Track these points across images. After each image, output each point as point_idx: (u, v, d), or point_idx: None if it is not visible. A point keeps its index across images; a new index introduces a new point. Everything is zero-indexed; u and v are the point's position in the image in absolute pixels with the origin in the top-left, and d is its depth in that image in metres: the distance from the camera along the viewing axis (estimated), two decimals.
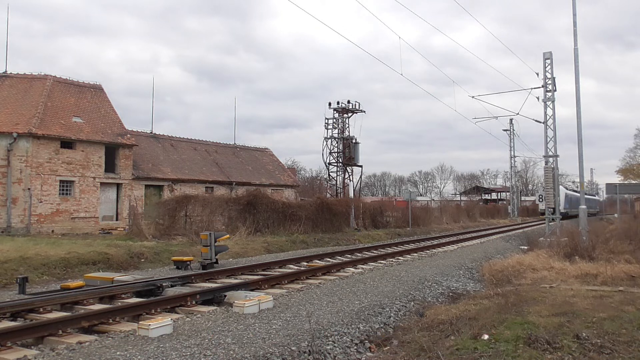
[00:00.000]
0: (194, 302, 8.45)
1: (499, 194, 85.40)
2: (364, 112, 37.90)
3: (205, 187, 33.15)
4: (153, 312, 7.82)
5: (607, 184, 39.87)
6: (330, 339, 6.39)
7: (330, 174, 37.92)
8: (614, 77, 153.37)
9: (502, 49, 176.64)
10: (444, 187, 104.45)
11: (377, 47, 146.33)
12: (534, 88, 23.74)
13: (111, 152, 28.29)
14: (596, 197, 79.20)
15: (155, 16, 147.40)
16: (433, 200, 63.08)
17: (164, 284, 9.63)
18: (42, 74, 28.82)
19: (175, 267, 13.78)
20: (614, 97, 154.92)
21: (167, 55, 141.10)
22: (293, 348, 5.77)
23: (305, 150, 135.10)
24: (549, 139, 22.63)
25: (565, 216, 38.53)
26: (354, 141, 37.23)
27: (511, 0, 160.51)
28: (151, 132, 34.97)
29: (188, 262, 13.70)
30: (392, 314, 8.01)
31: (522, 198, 71.29)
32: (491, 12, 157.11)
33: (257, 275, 12.16)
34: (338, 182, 37.43)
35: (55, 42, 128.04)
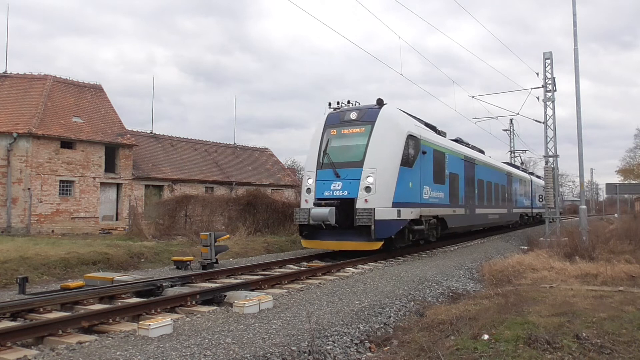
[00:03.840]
0: (194, 302, 8.44)
1: None
2: None
3: (205, 187, 33.18)
4: (153, 312, 7.81)
5: (607, 184, 39.98)
6: (330, 339, 6.39)
7: None
8: (609, 78, 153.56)
9: (496, 50, 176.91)
10: None
11: (373, 47, 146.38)
12: (534, 88, 23.76)
13: (111, 152, 28.31)
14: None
15: (150, 16, 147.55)
16: None
17: (164, 284, 9.62)
18: (42, 74, 28.83)
19: (175, 267, 13.77)
20: (610, 97, 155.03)
21: (164, 55, 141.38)
22: (293, 348, 5.77)
23: (304, 150, 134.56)
24: (549, 139, 22.62)
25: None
26: None
27: (504, 1, 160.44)
28: (151, 132, 34.99)
29: (188, 262, 13.70)
30: (392, 314, 8.00)
31: None
32: (485, 13, 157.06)
33: (257, 275, 12.14)
34: None
35: (51, 43, 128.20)
